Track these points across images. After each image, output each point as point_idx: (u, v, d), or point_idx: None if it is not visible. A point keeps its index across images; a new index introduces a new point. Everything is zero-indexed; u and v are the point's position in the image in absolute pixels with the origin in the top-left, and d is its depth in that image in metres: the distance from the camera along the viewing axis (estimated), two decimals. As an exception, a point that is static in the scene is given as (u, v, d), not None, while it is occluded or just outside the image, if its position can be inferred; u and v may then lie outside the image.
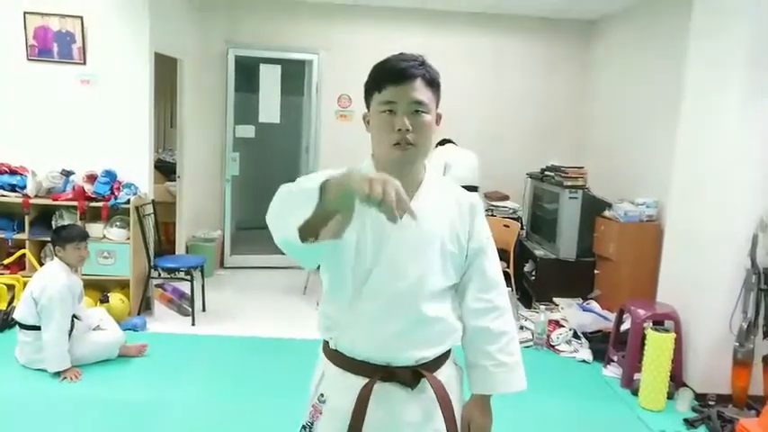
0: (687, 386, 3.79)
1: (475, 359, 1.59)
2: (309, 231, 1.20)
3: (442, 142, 5.68)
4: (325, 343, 1.60)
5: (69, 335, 3.72)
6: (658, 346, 3.60)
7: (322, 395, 1.54)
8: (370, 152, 1.55)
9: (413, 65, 1.45)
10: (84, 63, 4.72)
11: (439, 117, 1.52)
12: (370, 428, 1.45)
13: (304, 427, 1.55)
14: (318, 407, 1.53)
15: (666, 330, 3.72)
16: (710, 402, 3.62)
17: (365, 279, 1.45)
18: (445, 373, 1.56)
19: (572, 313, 4.79)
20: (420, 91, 1.44)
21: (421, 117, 1.44)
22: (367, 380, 1.47)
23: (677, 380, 3.79)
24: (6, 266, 4.62)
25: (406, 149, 1.43)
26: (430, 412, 1.50)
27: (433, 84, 1.48)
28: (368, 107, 1.52)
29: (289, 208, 1.22)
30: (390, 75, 1.44)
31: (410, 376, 1.48)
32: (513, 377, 1.59)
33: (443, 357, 1.56)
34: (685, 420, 3.50)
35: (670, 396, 3.68)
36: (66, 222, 4.45)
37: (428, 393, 1.50)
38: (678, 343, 3.74)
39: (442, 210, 1.52)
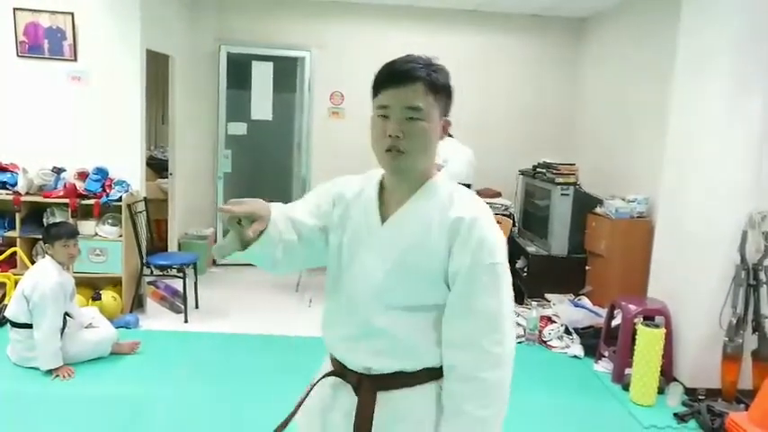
0: (677, 381, 3.83)
1: (443, 400, 1.39)
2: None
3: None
4: None
5: (61, 333, 3.71)
6: (649, 342, 3.63)
7: (314, 378, 1.60)
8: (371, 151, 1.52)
9: (414, 67, 1.36)
10: (75, 60, 4.70)
11: (446, 124, 1.42)
12: (325, 422, 1.52)
13: (297, 404, 1.64)
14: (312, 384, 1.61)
15: (657, 326, 3.76)
16: (700, 397, 3.65)
17: (339, 280, 1.47)
18: (407, 397, 1.41)
19: (564, 309, 4.82)
20: (417, 96, 1.34)
21: (416, 124, 1.35)
22: (332, 370, 1.52)
23: (667, 375, 3.82)
24: (-3, 264, 4.61)
25: (395, 157, 1.36)
26: (393, 415, 1.42)
27: (437, 88, 1.37)
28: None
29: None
30: (388, 77, 1.37)
31: (356, 381, 1.44)
32: None
33: (407, 378, 1.41)
34: (675, 415, 3.54)
35: (660, 391, 3.71)
36: (57, 220, 4.43)
37: (383, 407, 1.41)
38: (668, 338, 3.78)
39: (422, 220, 1.38)
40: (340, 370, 1.49)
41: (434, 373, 1.40)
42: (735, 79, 3.57)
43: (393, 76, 1.37)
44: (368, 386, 1.42)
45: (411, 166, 1.39)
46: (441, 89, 1.38)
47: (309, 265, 1.58)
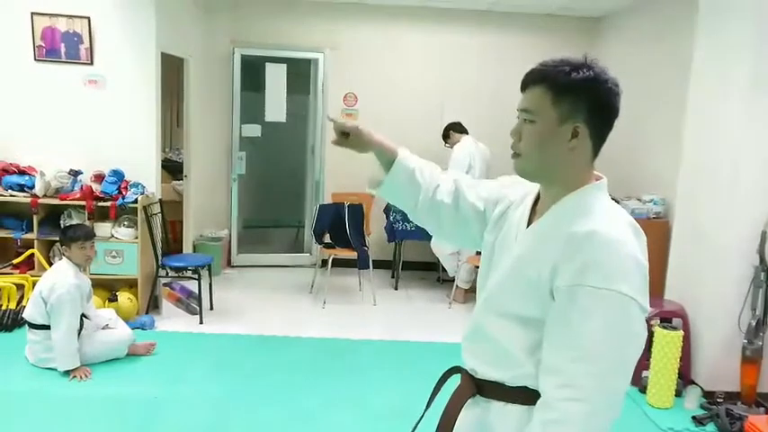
0: (695, 384, 3.78)
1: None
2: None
3: (459, 129, 5.70)
4: None
5: (78, 334, 3.74)
6: (666, 344, 3.59)
7: None
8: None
9: (540, 69, 1.34)
10: (92, 63, 4.74)
11: (575, 130, 1.30)
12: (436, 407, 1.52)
13: None
14: None
15: (674, 328, 3.71)
16: (719, 400, 3.61)
17: (483, 280, 1.48)
18: (501, 411, 1.37)
19: (579, 311, 4.77)
20: (533, 98, 1.32)
21: (528, 126, 1.33)
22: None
23: (685, 377, 3.78)
24: (15, 266, 4.65)
25: (514, 160, 1.38)
26: (482, 424, 1.41)
27: (558, 90, 1.29)
28: None
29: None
30: (522, 80, 1.39)
31: (467, 379, 1.46)
32: None
33: (506, 392, 1.36)
34: (694, 418, 3.49)
35: (678, 394, 3.67)
36: (74, 222, 4.47)
37: (489, 407, 1.40)
38: (686, 340, 3.73)
39: (549, 232, 1.30)
40: (461, 367, 1.52)
41: (534, 398, 1.28)
42: (753, 79, 3.52)
43: (523, 80, 1.38)
44: (467, 385, 1.44)
45: (526, 168, 1.37)
46: (563, 91, 1.29)
47: (453, 236, 1.67)
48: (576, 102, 1.30)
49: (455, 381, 1.52)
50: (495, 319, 1.38)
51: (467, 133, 5.68)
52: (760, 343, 3.53)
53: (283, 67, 6.24)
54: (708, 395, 3.69)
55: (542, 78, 1.32)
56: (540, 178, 1.38)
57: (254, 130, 6.44)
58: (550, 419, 1.20)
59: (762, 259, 3.53)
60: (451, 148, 5.65)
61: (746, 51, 3.54)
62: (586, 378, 1.17)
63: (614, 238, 1.21)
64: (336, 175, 6.37)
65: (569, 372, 1.19)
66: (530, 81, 1.35)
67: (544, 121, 1.30)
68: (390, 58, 6.35)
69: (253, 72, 6.40)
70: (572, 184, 1.33)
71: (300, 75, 6.56)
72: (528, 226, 1.39)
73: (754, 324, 3.53)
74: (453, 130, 5.72)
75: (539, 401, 1.25)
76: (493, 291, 1.40)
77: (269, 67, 6.25)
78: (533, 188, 1.46)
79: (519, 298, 1.32)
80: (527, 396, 1.32)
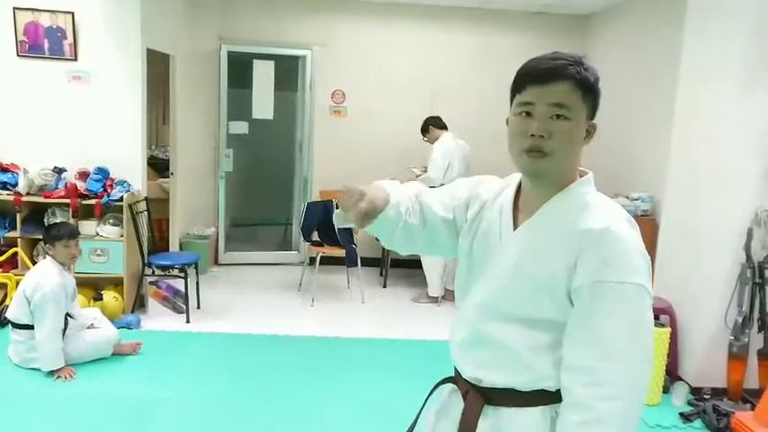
0: (682, 380, 3.80)
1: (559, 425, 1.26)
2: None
3: (439, 124, 5.60)
4: None
5: (63, 333, 3.70)
6: (653, 341, 3.60)
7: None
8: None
9: (563, 64, 1.25)
10: (76, 59, 4.67)
11: (591, 128, 1.31)
12: (428, 423, 1.51)
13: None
14: None
15: (662, 325, 3.72)
16: (706, 396, 3.63)
17: (466, 286, 1.43)
18: (512, 416, 1.33)
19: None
20: (566, 93, 1.24)
21: (562, 123, 1.25)
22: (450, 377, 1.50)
23: (673, 374, 3.80)
24: (-2, 265, 4.59)
25: (537, 159, 1.25)
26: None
27: (587, 88, 1.27)
28: (511, 108, 1.37)
29: None
30: (534, 73, 1.28)
31: (465, 390, 1.40)
32: None
33: (515, 396, 1.32)
34: (681, 414, 3.51)
35: (666, 390, 3.68)
36: (58, 220, 4.42)
37: (488, 416, 1.36)
38: (673, 337, 3.75)
39: (553, 230, 1.28)
40: (456, 377, 1.47)
41: (552, 397, 1.29)
42: (741, 77, 3.53)
43: (540, 71, 1.27)
44: (474, 398, 1.37)
45: (552, 169, 1.28)
46: (589, 89, 1.28)
47: (432, 252, 1.60)
48: (595, 100, 1.31)
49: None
50: (498, 324, 1.33)
51: (446, 129, 5.59)
52: (746, 339, 3.55)
53: (271, 63, 6.21)
54: (695, 391, 3.71)
55: (571, 74, 1.25)
56: (553, 177, 1.30)
57: (241, 128, 6.40)
58: (587, 420, 1.17)
59: (748, 256, 3.55)
60: (430, 142, 5.59)
61: (734, 50, 3.56)
62: (618, 375, 1.17)
63: (624, 233, 1.24)
64: (324, 172, 6.35)
65: (600, 370, 1.18)
66: (555, 75, 1.25)
67: (578, 119, 1.27)
68: (379, 56, 6.33)
69: (240, 69, 6.35)
70: (566, 180, 1.31)
71: (288, 72, 6.53)
72: (514, 225, 1.35)
73: (740, 321, 3.55)
74: (433, 126, 5.60)
75: (567, 402, 1.22)
76: (493, 295, 1.34)
77: (256, 63, 6.21)
78: (505, 185, 1.44)
79: (526, 300, 1.29)
80: (543, 397, 1.30)
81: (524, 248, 1.31)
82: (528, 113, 1.27)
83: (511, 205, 1.37)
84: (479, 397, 1.36)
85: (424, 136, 5.67)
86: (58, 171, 4.65)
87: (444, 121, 5.61)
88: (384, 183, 1.45)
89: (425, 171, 5.56)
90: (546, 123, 1.25)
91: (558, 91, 1.24)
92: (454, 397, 1.46)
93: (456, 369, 1.46)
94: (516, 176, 1.42)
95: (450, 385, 1.49)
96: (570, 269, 1.23)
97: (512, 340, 1.31)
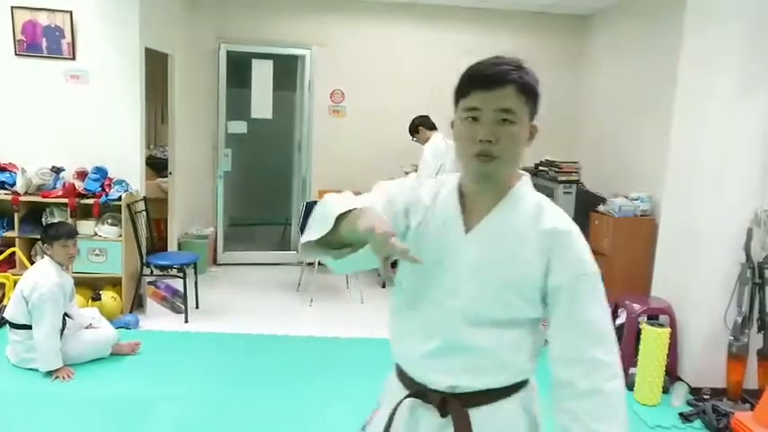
0: (682, 380, 3.80)
1: (560, 420, 1.32)
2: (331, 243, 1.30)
3: (429, 124, 5.49)
4: None
5: (61, 334, 3.68)
6: (653, 341, 3.60)
7: (378, 401, 1.53)
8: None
9: (506, 69, 1.30)
10: (74, 58, 4.66)
11: (534, 130, 1.35)
12: None
13: (362, 428, 1.56)
14: (375, 411, 1.53)
15: (661, 325, 3.72)
16: (705, 396, 3.62)
17: (417, 293, 1.38)
18: (492, 413, 1.36)
19: (566, 308, 4.78)
20: (510, 98, 1.28)
21: (508, 127, 1.28)
22: (407, 392, 1.41)
23: (672, 374, 3.79)
24: (-4, 265, 4.58)
25: (486, 162, 1.29)
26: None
27: (529, 92, 1.31)
28: (455, 113, 1.38)
29: (312, 221, 1.33)
30: (478, 79, 1.31)
31: (438, 402, 1.35)
32: None
33: (492, 395, 1.36)
34: (680, 414, 3.51)
35: (665, 390, 3.68)
36: (56, 220, 4.40)
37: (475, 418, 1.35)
38: (673, 337, 3.74)
39: (512, 231, 1.33)
40: (419, 391, 1.39)
41: (521, 385, 1.38)
42: (740, 77, 3.53)
43: (484, 77, 1.31)
44: (456, 406, 1.34)
45: (500, 172, 1.32)
46: (531, 93, 1.33)
47: (369, 267, 1.45)
48: (536, 103, 1.35)
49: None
50: (473, 329, 1.33)
51: (435, 129, 5.50)
52: (746, 340, 3.55)
53: (270, 63, 6.20)
54: (694, 392, 3.71)
55: (514, 79, 1.30)
56: (500, 180, 1.35)
57: (240, 127, 6.39)
58: (598, 405, 1.26)
59: (748, 256, 3.55)
60: (420, 143, 5.51)
61: (734, 49, 3.55)
62: (611, 355, 1.28)
63: (576, 228, 1.34)
64: (323, 172, 6.34)
65: (594, 357, 1.27)
66: (500, 80, 1.29)
67: (522, 123, 1.31)
68: (378, 55, 6.32)
69: (239, 68, 6.35)
70: (510, 182, 1.37)
71: (287, 71, 6.52)
72: (466, 229, 1.35)
73: (739, 321, 3.55)
74: (422, 126, 5.50)
75: (571, 393, 1.28)
76: (471, 300, 1.33)
77: (255, 63, 6.20)
78: (442, 186, 1.42)
79: (498, 303, 1.32)
80: (517, 387, 1.38)
81: (487, 252, 1.33)
82: (474, 118, 1.30)
83: (459, 208, 1.37)
84: (460, 403, 1.35)
85: (413, 137, 5.58)
86: (56, 170, 4.63)
87: (437, 120, 5.57)
88: (347, 199, 1.32)
89: (416, 171, 5.52)
90: (493, 128, 1.28)
91: (502, 96, 1.28)
92: (422, 413, 1.40)
93: (415, 382, 1.40)
94: (452, 179, 1.43)
95: (406, 403, 1.41)
96: (544, 268, 1.30)
97: (488, 343, 1.33)
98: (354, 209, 1.26)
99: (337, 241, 1.30)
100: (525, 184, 1.39)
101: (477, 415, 1.35)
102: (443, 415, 1.36)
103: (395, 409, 1.41)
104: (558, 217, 1.34)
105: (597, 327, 1.29)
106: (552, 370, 1.33)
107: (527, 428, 1.39)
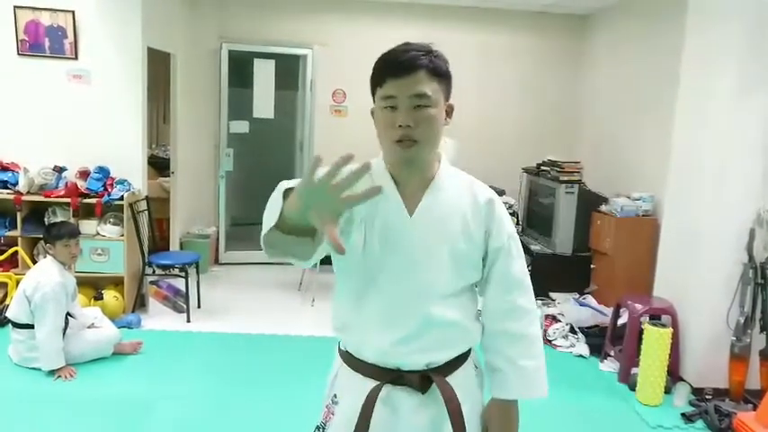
0: (684, 381, 3.79)
1: (494, 362, 1.49)
2: (289, 229, 1.17)
3: None
4: (339, 342, 1.55)
5: (63, 333, 3.69)
6: (655, 341, 3.60)
7: (335, 396, 1.51)
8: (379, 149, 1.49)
9: (415, 55, 1.34)
10: (76, 58, 4.67)
11: (450, 109, 1.43)
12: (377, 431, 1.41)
13: (318, 427, 1.54)
14: (331, 407, 1.51)
15: (663, 325, 3.72)
16: (707, 397, 3.62)
17: (372, 281, 1.40)
18: (461, 376, 1.48)
19: (569, 308, 4.78)
20: (423, 83, 1.34)
21: (424, 111, 1.34)
22: (377, 383, 1.42)
23: (674, 374, 3.79)
24: (-2, 264, 4.59)
25: (408, 147, 1.35)
26: (439, 419, 1.43)
27: (440, 74, 1.37)
28: (374, 102, 1.44)
29: (266, 215, 1.22)
30: (391, 67, 1.35)
31: (419, 381, 1.41)
32: (533, 383, 1.48)
33: (459, 360, 1.48)
34: (683, 415, 3.50)
35: (667, 391, 3.68)
36: (59, 219, 4.41)
37: (440, 399, 1.43)
38: (675, 338, 3.74)
39: (453, 207, 1.43)
40: (394, 376, 1.42)
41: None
42: (742, 77, 3.53)
43: (395, 65, 1.35)
44: (440, 380, 1.43)
45: (422, 154, 1.39)
46: (443, 75, 1.39)
47: (317, 259, 1.42)
48: (449, 84, 1.42)
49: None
50: (437, 305, 1.40)
51: None
52: (748, 340, 3.55)
53: (272, 63, 6.20)
54: (697, 392, 3.71)
55: (424, 64, 1.35)
56: (424, 161, 1.42)
57: (241, 127, 6.38)
58: (526, 346, 1.48)
59: (750, 257, 3.54)
60: None
61: (736, 49, 3.55)
62: (531, 304, 1.51)
63: (498, 198, 1.52)
64: (325, 170, 6.32)
65: (521, 306, 1.49)
66: (410, 67, 1.34)
67: (438, 105, 1.38)
68: (379, 55, 6.31)
69: (241, 68, 6.35)
70: (433, 160, 1.46)
71: (289, 71, 6.52)
72: (410, 210, 1.40)
73: (742, 321, 3.54)
74: None
75: (501, 339, 1.48)
76: (434, 278, 1.40)
77: (257, 62, 6.20)
78: (367, 179, 1.33)
79: (461, 272, 1.44)
80: (462, 357, 1.50)
81: (434, 230, 1.41)
82: (392, 107, 1.36)
83: (397, 193, 1.42)
84: (440, 376, 1.43)
85: None
86: (59, 170, 4.64)
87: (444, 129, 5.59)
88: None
89: None
90: (410, 114, 1.34)
91: (415, 82, 1.34)
92: (396, 396, 1.42)
93: (386, 369, 1.42)
94: (377, 167, 1.44)
95: (382, 396, 1.42)
96: (486, 236, 1.46)
97: (453, 314, 1.43)
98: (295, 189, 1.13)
99: (296, 227, 1.15)
100: (445, 162, 1.49)
101: (451, 382, 1.45)
102: (424, 391, 1.42)
103: (371, 400, 1.41)
104: (485, 188, 1.50)
105: (523, 280, 1.50)
106: (488, 322, 1.50)
107: (479, 381, 1.56)
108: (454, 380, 1.45)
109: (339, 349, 1.55)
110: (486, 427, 1.51)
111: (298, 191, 1.08)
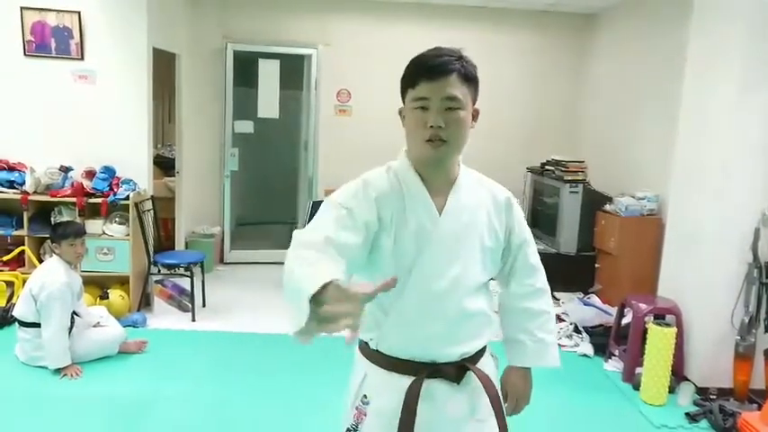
0: (688, 380, 3.79)
1: (514, 335, 1.67)
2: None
3: None
4: (364, 344, 1.57)
5: (69, 332, 3.71)
6: (659, 341, 3.60)
7: (365, 396, 1.53)
8: (404, 148, 1.55)
9: (448, 60, 1.42)
10: (82, 58, 4.69)
11: (476, 113, 1.49)
12: (417, 426, 1.46)
13: (349, 430, 1.54)
14: (363, 409, 1.53)
15: (668, 325, 3.71)
16: (712, 396, 3.61)
17: (406, 280, 1.43)
18: (486, 364, 1.60)
19: (573, 308, 4.78)
20: (454, 86, 1.41)
21: (454, 113, 1.41)
22: (412, 378, 1.47)
23: (678, 374, 3.78)
24: (5, 263, 4.61)
25: (438, 147, 1.42)
26: (474, 404, 1.53)
27: (470, 79, 1.45)
28: (404, 102, 1.50)
29: (288, 303, 1.22)
30: (424, 70, 1.41)
31: (455, 371, 1.50)
32: (548, 353, 1.66)
33: (483, 349, 1.59)
34: (687, 414, 3.50)
35: (671, 390, 3.67)
36: (65, 219, 4.43)
37: (471, 385, 1.53)
38: (679, 337, 3.73)
39: (478, 206, 1.52)
40: (430, 370, 1.48)
41: None
42: (746, 76, 3.52)
43: (429, 68, 1.41)
44: (474, 368, 1.53)
45: (450, 153, 1.46)
46: (472, 79, 1.46)
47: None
48: (477, 88, 1.48)
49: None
50: (469, 297, 1.49)
51: None
52: (753, 339, 3.54)
53: (276, 62, 6.21)
54: (701, 392, 3.70)
55: (456, 69, 1.42)
56: (451, 160, 1.49)
57: (246, 127, 6.40)
58: (544, 321, 1.67)
59: (755, 256, 3.53)
60: None
61: (740, 49, 3.54)
62: (545, 284, 1.70)
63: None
64: (329, 171, 6.35)
65: (540, 288, 1.68)
66: (444, 71, 1.40)
67: (467, 108, 1.44)
68: (384, 55, 6.31)
69: (245, 68, 6.36)
70: (457, 161, 1.53)
71: (293, 71, 6.52)
72: (438, 209, 1.47)
73: (746, 321, 3.54)
74: None
75: (524, 316, 1.66)
76: (467, 273, 1.48)
77: (262, 62, 6.22)
78: (396, 174, 1.49)
79: (489, 265, 1.55)
80: (485, 347, 1.62)
81: (463, 227, 1.49)
82: (423, 107, 1.42)
83: (426, 193, 1.48)
84: (474, 363, 1.54)
85: None
86: (65, 170, 4.67)
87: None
88: (315, 271, 1.21)
89: None
90: (441, 115, 1.41)
91: (447, 85, 1.41)
92: (433, 388, 1.48)
93: (422, 363, 1.48)
94: (394, 165, 1.51)
95: (424, 395, 1.46)
96: (508, 232, 1.58)
97: (481, 305, 1.53)
98: (325, 286, 1.11)
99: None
100: (463, 165, 1.57)
101: (482, 369, 1.56)
102: (459, 382, 1.51)
103: (414, 394, 1.45)
104: (501, 188, 1.62)
105: (539, 265, 1.68)
106: (511, 303, 1.67)
107: (496, 367, 1.68)
108: (483, 367, 1.56)
109: (364, 351, 1.57)
110: (505, 390, 1.68)
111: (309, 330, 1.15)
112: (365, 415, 1.51)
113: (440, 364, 1.49)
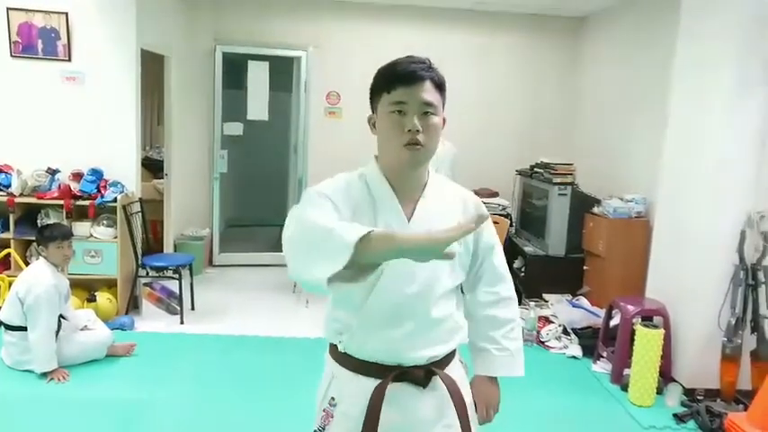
0: (676, 381, 3.81)
1: (480, 343, 1.67)
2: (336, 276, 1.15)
3: None
4: (333, 346, 1.57)
5: (56, 335, 3.68)
6: (647, 342, 3.62)
7: (333, 399, 1.54)
8: (373, 154, 1.55)
9: (422, 67, 1.46)
10: (70, 60, 4.66)
11: (444, 120, 1.52)
12: (383, 429, 1.46)
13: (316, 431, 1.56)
14: (330, 411, 1.54)
15: (655, 326, 3.74)
16: (699, 397, 3.64)
17: (374, 284, 1.39)
18: (454, 369, 1.60)
19: (561, 309, 4.80)
20: (429, 92, 1.44)
21: (430, 118, 1.44)
22: (379, 381, 1.48)
23: (666, 375, 3.81)
24: (-9, 266, 4.57)
25: (416, 150, 1.43)
26: (442, 408, 1.53)
27: (441, 87, 1.49)
28: (373, 109, 1.51)
29: (316, 255, 1.17)
30: (401, 75, 1.44)
31: (422, 375, 1.50)
32: (514, 362, 1.67)
33: (451, 355, 1.59)
34: (674, 415, 3.52)
35: (659, 391, 3.70)
36: (51, 221, 4.40)
37: (439, 390, 1.53)
38: (667, 339, 3.76)
39: (447, 211, 1.52)
40: (396, 373, 1.49)
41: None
42: (734, 79, 3.55)
43: (406, 74, 1.44)
44: (441, 373, 1.53)
45: (427, 158, 1.48)
46: (443, 87, 1.50)
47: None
48: (445, 98, 1.52)
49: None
50: (437, 303, 1.49)
51: None
52: (739, 341, 3.56)
53: (266, 64, 6.20)
54: (688, 392, 3.73)
55: (430, 76, 1.46)
56: (426, 164, 1.52)
57: (236, 129, 6.38)
58: (509, 329, 1.67)
59: (741, 258, 3.56)
60: None
61: (728, 51, 3.57)
62: (512, 292, 1.71)
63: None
64: (319, 173, 6.31)
65: (506, 295, 1.68)
66: (420, 77, 1.44)
67: (440, 114, 1.48)
68: (374, 57, 6.26)
69: (235, 70, 6.35)
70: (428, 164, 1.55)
71: (283, 73, 6.52)
72: (407, 215, 1.48)
73: (733, 322, 3.56)
74: None
75: (489, 325, 1.66)
76: (433, 280, 1.48)
77: (251, 64, 6.20)
78: (363, 180, 1.51)
79: (449, 275, 1.52)
80: (454, 352, 1.62)
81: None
82: (401, 111, 1.43)
83: (396, 200, 1.49)
84: (441, 367, 1.54)
85: None
86: (52, 172, 4.63)
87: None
88: (350, 225, 1.21)
89: None
90: (419, 119, 1.43)
91: (423, 90, 1.44)
92: (400, 391, 1.48)
93: (389, 366, 1.48)
94: (363, 171, 1.52)
95: (389, 398, 1.46)
96: (476, 236, 1.59)
97: (449, 310, 1.54)
98: (370, 232, 1.13)
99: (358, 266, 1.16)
100: (431, 170, 1.58)
101: (450, 372, 1.56)
102: (425, 385, 1.51)
103: (379, 396, 1.46)
104: (469, 192, 1.64)
105: (505, 272, 1.69)
106: (476, 310, 1.67)
107: (466, 372, 1.68)
108: (451, 372, 1.56)
109: (333, 353, 1.58)
110: (475, 396, 1.68)
111: (409, 250, 1.14)
112: (332, 417, 1.53)
113: (407, 367, 1.49)
